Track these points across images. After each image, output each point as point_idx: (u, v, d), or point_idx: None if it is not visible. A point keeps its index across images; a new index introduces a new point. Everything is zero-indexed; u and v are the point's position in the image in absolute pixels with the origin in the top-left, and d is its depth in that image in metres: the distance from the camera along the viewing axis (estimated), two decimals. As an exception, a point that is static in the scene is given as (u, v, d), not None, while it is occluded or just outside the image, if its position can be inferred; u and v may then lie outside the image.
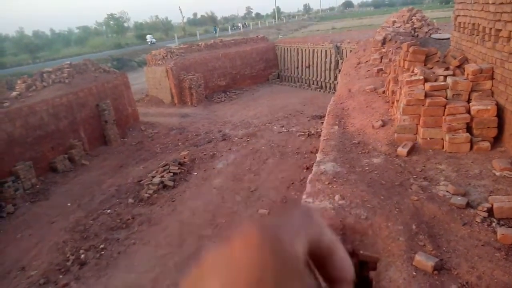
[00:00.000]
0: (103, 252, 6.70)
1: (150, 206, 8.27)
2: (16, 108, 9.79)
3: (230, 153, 11.08)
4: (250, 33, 37.93)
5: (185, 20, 60.11)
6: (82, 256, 6.61)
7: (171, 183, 9.06)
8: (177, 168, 9.76)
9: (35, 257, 6.77)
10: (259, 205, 7.65)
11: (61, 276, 6.19)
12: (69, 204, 8.76)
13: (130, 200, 8.54)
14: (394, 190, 3.59)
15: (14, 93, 10.64)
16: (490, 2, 4.45)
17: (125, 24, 57.58)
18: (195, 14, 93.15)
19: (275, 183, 8.60)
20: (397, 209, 3.19)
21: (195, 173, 9.79)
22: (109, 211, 8.20)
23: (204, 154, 11.06)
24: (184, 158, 10.40)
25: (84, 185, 9.77)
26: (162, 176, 9.31)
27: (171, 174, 9.47)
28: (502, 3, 4.15)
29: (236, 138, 12.46)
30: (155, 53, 19.24)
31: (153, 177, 9.40)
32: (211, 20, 71.03)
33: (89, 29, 61.78)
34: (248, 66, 22.32)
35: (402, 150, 4.46)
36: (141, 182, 9.38)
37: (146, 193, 8.69)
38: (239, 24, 55.36)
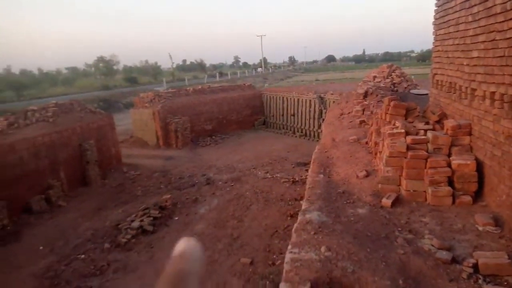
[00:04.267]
0: (72, 302, 6.25)
1: (127, 252, 7.90)
2: (-5, 146, 9.53)
3: (213, 197, 10.90)
4: (238, 81, 39.07)
5: (174, 65, 61.83)
6: (49, 306, 6.15)
7: (150, 228, 8.75)
8: (157, 212, 9.49)
9: (-3, 306, 6.26)
10: (241, 254, 7.40)
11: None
12: (41, 248, 8.28)
13: (107, 245, 8.16)
14: (380, 243, 3.56)
15: (-6, 130, 10.43)
16: (465, 64, 4.77)
17: (114, 67, 58.70)
18: (184, 61, 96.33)
19: (259, 230, 8.42)
20: (383, 263, 3.14)
21: (176, 218, 9.52)
22: (83, 256, 7.77)
23: (187, 198, 10.85)
24: (166, 201, 10.15)
25: (59, 228, 9.31)
26: (142, 220, 9.00)
27: (151, 218, 9.18)
28: (475, 65, 4.45)
29: (220, 183, 12.34)
30: (143, 95, 19.50)
31: (132, 221, 9.07)
32: (200, 67, 73.25)
33: (78, 70, 62.50)
34: (234, 111, 22.75)
35: (387, 201, 4.48)
36: (119, 226, 9.02)
37: (123, 238, 8.33)
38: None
